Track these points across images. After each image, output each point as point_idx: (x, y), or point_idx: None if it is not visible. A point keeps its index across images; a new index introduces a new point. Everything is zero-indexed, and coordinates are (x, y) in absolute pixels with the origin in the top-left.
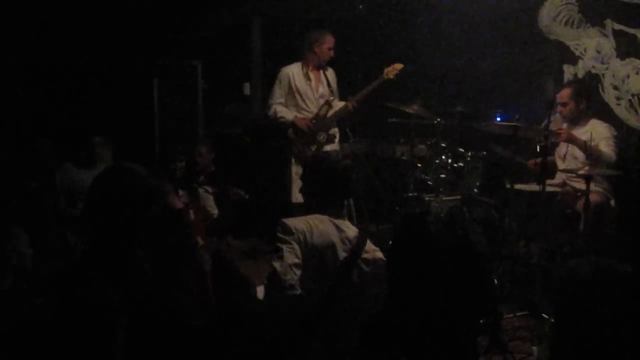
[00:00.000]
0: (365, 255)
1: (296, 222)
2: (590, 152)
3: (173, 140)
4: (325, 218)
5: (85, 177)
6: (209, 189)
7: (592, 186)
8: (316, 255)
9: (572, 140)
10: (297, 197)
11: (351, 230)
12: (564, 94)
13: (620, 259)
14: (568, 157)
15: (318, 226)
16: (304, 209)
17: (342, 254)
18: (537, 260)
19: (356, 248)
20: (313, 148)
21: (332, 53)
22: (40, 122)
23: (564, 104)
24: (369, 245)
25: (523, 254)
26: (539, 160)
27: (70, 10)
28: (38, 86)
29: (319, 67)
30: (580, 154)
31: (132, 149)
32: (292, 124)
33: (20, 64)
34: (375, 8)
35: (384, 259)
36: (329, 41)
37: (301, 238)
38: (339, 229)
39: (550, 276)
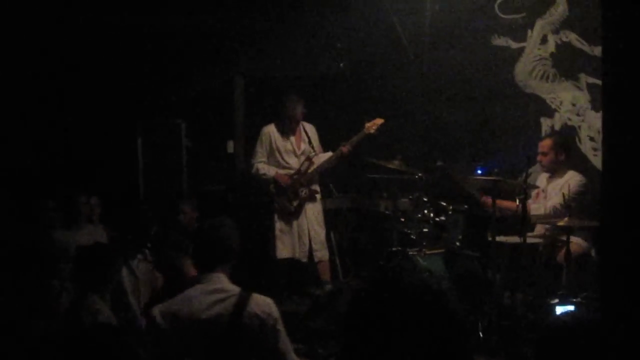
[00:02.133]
0: (246, 314)
1: (159, 310)
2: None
3: (158, 198)
4: (194, 293)
5: (70, 237)
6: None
7: (573, 237)
8: (184, 333)
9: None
10: (281, 252)
11: (227, 295)
12: (545, 144)
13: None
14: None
15: (179, 309)
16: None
17: (217, 322)
18: (523, 312)
19: (238, 308)
20: (295, 203)
21: (301, 116)
22: (23, 182)
23: (544, 154)
24: (255, 302)
25: (508, 306)
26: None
27: (57, 69)
28: (22, 145)
29: (295, 126)
30: (557, 201)
31: (117, 208)
32: (274, 180)
33: (7, 121)
34: (356, 65)
35: (270, 313)
36: (290, 108)
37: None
38: (209, 300)
39: (536, 327)
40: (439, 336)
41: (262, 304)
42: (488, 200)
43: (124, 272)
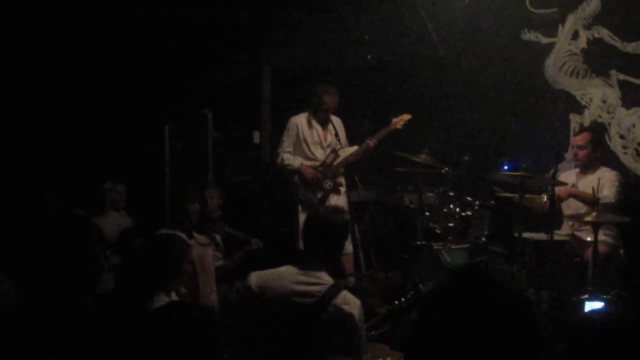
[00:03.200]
0: (331, 306)
1: (255, 278)
2: (586, 199)
3: (184, 186)
4: (290, 272)
5: (96, 223)
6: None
7: (601, 235)
8: (270, 306)
9: (574, 196)
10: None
11: (320, 284)
12: (584, 137)
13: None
14: (575, 204)
15: (273, 281)
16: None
17: (302, 304)
18: (547, 309)
19: (324, 298)
20: (319, 195)
21: (333, 107)
22: (52, 170)
23: (581, 147)
24: (343, 298)
25: (533, 302)
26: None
27: (88, 59)
28: (50, 132)
29: (326, 117)
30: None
31: (143, 196)
32: (298, 171)
33: (34, 106)
34: (384, 58)
35: (352, 314)
36: (325, 100)
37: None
38: (301, 282)
39: (561, 325)
40: (519, 347)
41: (350, 301)
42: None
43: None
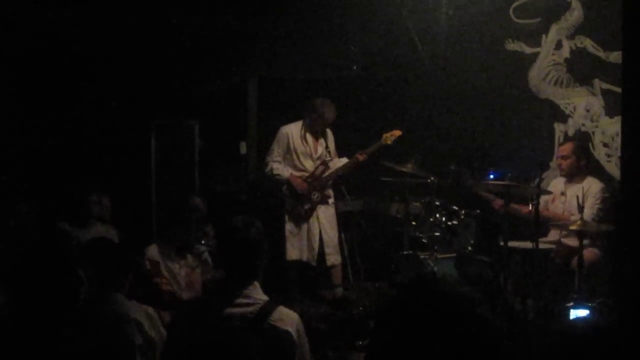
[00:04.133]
0: (265, 326)
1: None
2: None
3: (169, 198)
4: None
5: (81, 236)
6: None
7: (587, 243)
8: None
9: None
10: (291, 254)
11: (252, 303)
12: (567, 147)
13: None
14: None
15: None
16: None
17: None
18: (534, 317)
19: (258, 318)
20: (306, 207)
21: (329, 124)
22: (36, 181)
23: (565, 157)
24: (278, 314)
25: (519, 311)
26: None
27: (71, 68)
28: (34, 143)
29: (322, 130)
30: (574, 210)
31: (128, 207)
32: (287, 182)
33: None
34: (370, 68)
35: (288, 331)
36: (328, 115)
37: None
38: (236, 305)
39: (547, 333)
40: (472, 347)
41: (285, 317)
42: (499, 203)
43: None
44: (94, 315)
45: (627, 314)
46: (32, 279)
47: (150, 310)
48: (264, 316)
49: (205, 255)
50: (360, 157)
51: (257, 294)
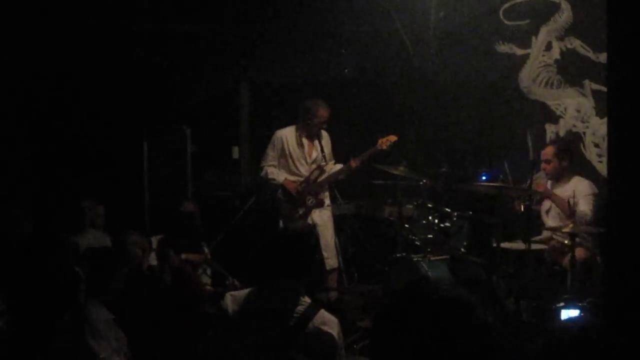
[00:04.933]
0: (310, 327)
1: (230, 300)
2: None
3: (163, 203)
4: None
5: (75, 241)
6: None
7: (578, 242)
8: (248, 328)
9: (553, 200)
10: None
11: (297, 303)
12: (548, 152)
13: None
14: (552, 213)
15: (249, 303)
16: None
17: (280, 325)
18: (528, 318)
19: (302, 319)
20: (301, 211)
21: (323, 126)
22: (29, 187)
23: (547, 161)
24: (321, 317)
25: (513, 312)
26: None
27: (64, 74)
28: (28, 149)
29: (317, 132)
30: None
31: (122, 212)
32: (282, 186)
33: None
34: (362, 71)
35: (331, 334)
36: (322, 114)
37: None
38: (278, 302)
39: (541, 333)
40: (468, 350)
41: (328, 321)
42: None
43: None
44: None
45: (616, 314)
46: (28, 283)
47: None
48: (309, 318)
49: (207, 251)
50: (354, 164)
51: (303, 296)
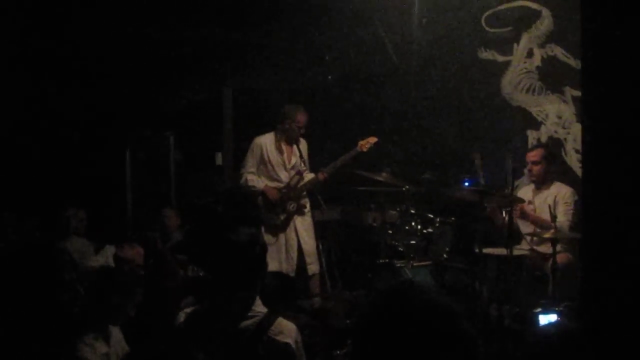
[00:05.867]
0: (265, 338)
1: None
2: (542, 225)
3: (146, 210)
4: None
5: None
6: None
7: (559, 248)
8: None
9: (532, 221)
10: (270, 266)
11: (252, 315)
12: (537, 153)
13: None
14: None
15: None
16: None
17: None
18: (510, 323)
19: (257, 331)
20: (282, 217)
21: (301, 130)
22: (12, 194)
23: (535, 163)
24: (277, 327)
25: (495, 317)
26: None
27: (45, 81)
28: (11, 157)
29: (297, 137)
30: (545, 216)
31: (104, 220)
32: (262, 193)
33: None
34: (344, 78)
35: (287, 343)
36: (300, 119)
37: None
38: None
39: (523, 339)
40: (450, 356)
41: (284, 329)
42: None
43: None
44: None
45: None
46: (21, 289)
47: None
48: (265, 329)
49: None
50: (321, 176)
51: (257, 306)
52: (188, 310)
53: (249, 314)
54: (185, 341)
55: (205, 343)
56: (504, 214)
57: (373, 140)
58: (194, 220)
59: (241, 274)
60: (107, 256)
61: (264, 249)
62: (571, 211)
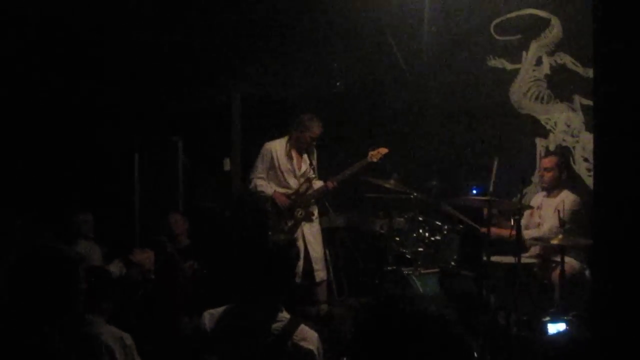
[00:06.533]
0: (289, 344)
1: (208, 317)
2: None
3: (154, 215)
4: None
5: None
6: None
7: (568, 257)
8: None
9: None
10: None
11: (276, 320)
12: (551, 160)
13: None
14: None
15: (227, 320)
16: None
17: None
18: (517, 331)
19: (281, 336)
20: (289, 223)
21: (313, 142)
22: (20, 198)
23: (548, 170)
24: (301, 333)
25: (503, 326)
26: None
27: (55, 85)
28: (20, 160)
29: (309, 146)
30: (546, 220)
31: (112, 224)
32: (271, 199)
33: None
34: (354, 85)
35: (311, 350)
36: (316, 131)
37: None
38: (257, 320)
39: (531, 348)
40: None
41: (307, 336)
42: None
43: None
44: (64, 335)
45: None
46: (23, 292)
47: (127, 338)
48: (290, 334)
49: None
50: (330, 185)
51: (282, 312)
52: (212, 311)
53: (276, 318)
54: (212, 342)
55: (232, 345)
56: (511, 222)
57: (384, 151)
58: (205, 226)
59: (271, 278)
60: (120, 267)
61: (298, 254)
62: (569, 215)
